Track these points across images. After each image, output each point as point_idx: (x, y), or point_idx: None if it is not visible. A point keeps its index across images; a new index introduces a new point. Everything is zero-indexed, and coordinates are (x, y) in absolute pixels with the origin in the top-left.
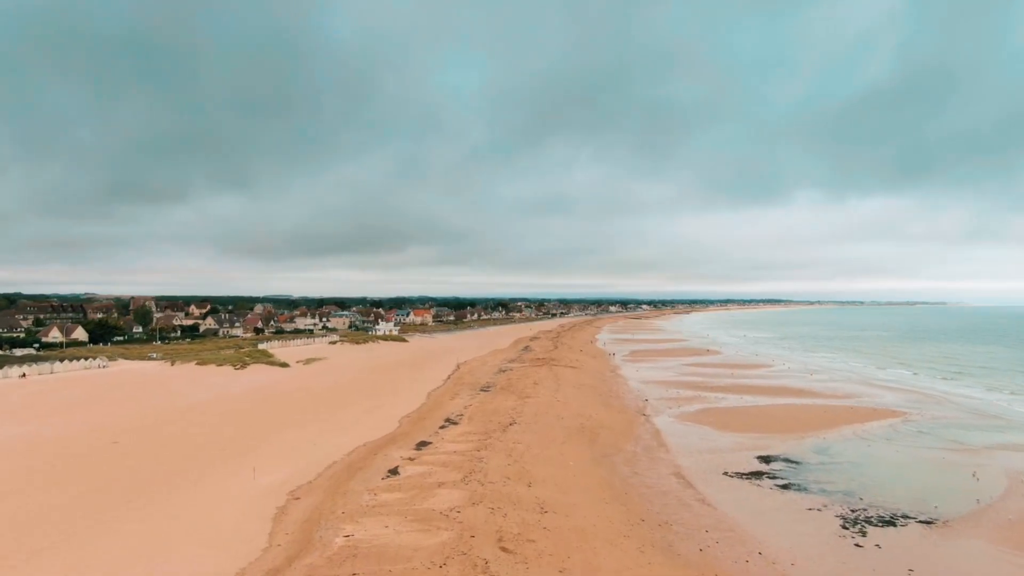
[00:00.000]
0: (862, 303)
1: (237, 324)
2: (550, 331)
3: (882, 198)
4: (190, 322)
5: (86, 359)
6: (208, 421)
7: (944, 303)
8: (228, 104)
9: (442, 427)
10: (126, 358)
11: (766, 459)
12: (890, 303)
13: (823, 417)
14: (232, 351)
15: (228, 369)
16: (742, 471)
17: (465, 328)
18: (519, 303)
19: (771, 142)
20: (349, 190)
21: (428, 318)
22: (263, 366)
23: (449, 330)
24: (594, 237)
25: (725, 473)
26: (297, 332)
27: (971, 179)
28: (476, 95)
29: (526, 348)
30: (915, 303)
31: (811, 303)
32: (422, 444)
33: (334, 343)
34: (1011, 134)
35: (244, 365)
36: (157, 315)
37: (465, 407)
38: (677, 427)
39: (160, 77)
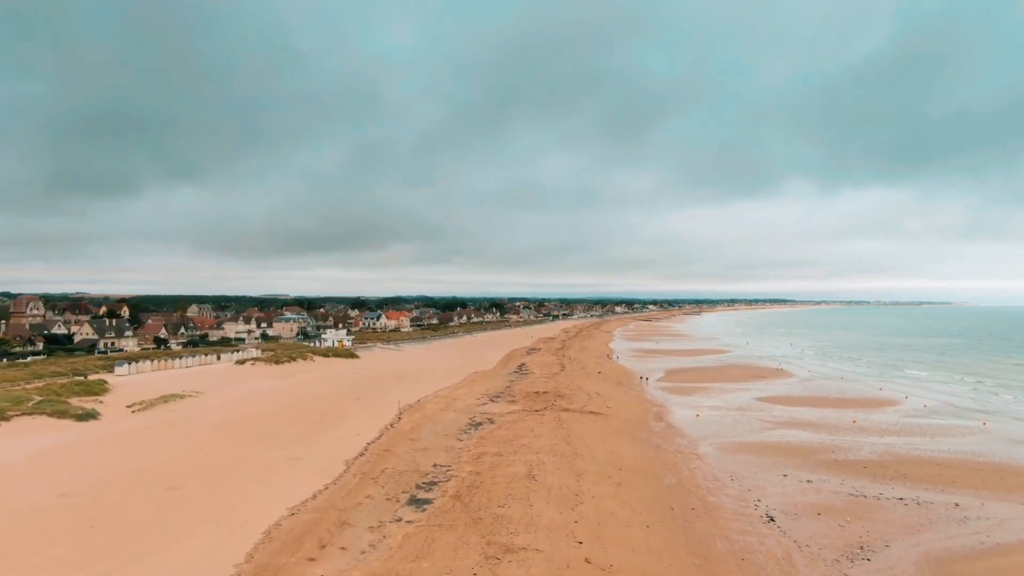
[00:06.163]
0: (867, 303)
1: (128, 334)
2: (552, 339)
3: (878, 190)
4: (76, 328)
5: None
6: None
7: (949, 303)
8: (132, 75)
9: None
10: None
11: None
12: (896, 303)
13: None
14: (43, 383)
15: None
16: None
17: (447, 335)
18: (517, 303)
19: (756, 126)
20: (311, 181)
21: (405, 321)
22: (45, 419)
23: (425, 338)
24: (584, 233)
25: None
26: (224, 342)
27: (971, 171)
28: (420, 66)
29: (520, 369)
30: (921, 303)
31: (817, 303)
32: None
33: (242, 363)
34: (1013, 122)
35: (1, 420)
36: (42, 318)
37: None
38: None
39: (36, 41)
